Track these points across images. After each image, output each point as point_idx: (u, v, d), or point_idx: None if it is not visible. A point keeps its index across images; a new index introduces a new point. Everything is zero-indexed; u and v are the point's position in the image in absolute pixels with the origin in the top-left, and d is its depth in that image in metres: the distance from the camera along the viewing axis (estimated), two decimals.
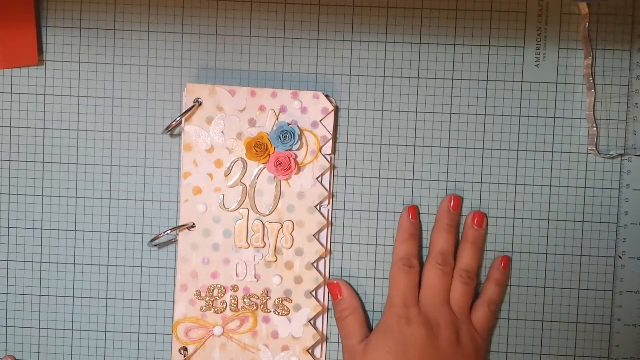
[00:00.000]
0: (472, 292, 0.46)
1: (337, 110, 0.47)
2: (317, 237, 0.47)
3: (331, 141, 0.46)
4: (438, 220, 0.47)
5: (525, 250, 0.48)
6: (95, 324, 0.48)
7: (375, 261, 0.48)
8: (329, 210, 0.47)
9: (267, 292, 0.47)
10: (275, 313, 0.47)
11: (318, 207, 0.46)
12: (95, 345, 0.48)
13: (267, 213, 0.46)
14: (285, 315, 0.47)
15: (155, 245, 0.47)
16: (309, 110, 0.46)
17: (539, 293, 0.48)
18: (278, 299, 0.47)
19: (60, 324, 0.48)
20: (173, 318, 0.47)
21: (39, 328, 0.48)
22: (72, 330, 0.48)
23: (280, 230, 0.46)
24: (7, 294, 0.48)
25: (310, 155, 0.46)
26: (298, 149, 0.46)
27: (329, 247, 0.47)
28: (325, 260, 0.47)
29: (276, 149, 0.46)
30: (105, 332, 0.48)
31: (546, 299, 0.48)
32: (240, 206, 0.46)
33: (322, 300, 0.47)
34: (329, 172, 0.47)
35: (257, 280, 0.47)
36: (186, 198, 0.46)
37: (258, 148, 0.45)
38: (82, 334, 0.48)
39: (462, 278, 0.45)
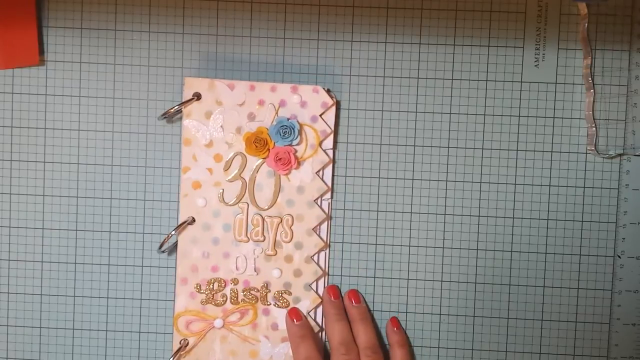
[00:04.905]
0: None
1: (338, 104, 0.47)
2: (316, 230, 0.47)
3: (332, 135, 0.46)
4: (326, 314, 0.47)
5: (525, 249, 0.48)
6: (96, 323, 0.48)
7: (375, 260, 0.48)
8: (329, 203, 0.47)
9: (267, 285, 0.47)
10: (275, 305, 0.47)
11: (318, 201, 0.47)
12: (96, 344, 0.48)
13: (266, 207, 0.46)
14: (285, 307, 0.47)
15: (163, 251, 0.47)
16: (309, 104, 0.46)
17: (538, 292, 0.48)
18: (277, 291, 0.47)
19: (62, 323, 0.48)
20: (174, 310, 0.47)
21: (40, 327, 0.48)
22: (73, 329, 0.48)
23: (280, 224, 0.47)
24: (8, 293, 0.48)
25: (309, 149, 0.46)
26: (298, 144, 0.46)
27: (328, 241, 0.48)
28: (325, 253, 0.48)
29: (276, 143, 0.46)
30: (106, 331, 0.48)
31: (545, 298, 0.48)
32: (240, 200, 0.46)
33: (321, 293, 0.47)
34: (330, 166, 0.47)
35: (257, 274, 0.47)
36: (185, 192, 0.46)
37: (257, 143, 0.45)
38: (82, 332, 0.48)
39: (368, 356, 0.45)
